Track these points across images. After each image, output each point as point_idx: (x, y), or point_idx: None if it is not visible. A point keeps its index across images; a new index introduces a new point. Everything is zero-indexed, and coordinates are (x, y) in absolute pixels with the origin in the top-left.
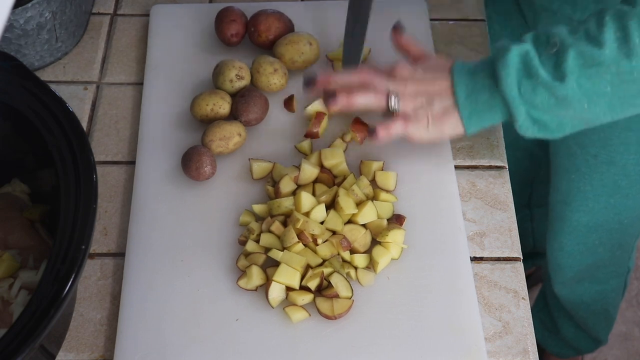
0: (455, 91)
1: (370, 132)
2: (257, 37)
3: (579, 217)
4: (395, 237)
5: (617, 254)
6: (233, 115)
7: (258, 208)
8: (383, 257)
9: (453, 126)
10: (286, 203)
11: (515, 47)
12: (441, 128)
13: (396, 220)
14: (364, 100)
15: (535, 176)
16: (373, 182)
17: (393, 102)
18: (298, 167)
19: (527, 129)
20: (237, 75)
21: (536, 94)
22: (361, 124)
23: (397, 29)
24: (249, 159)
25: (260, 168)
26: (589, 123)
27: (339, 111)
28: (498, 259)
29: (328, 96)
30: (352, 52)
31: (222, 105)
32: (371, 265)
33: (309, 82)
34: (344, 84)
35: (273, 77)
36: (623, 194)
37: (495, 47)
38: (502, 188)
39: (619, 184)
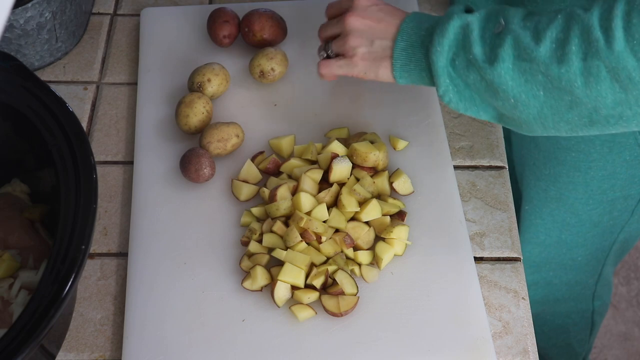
0: (396, 39)
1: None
2: (251, 37)
3: (531, 248)
4: (400, 234)
5: (576, 290)
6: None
7: (257, 211)
8: (387, 253)
9: (386, 72)
10: (284, 205)
11: (460, 16)
12: (376, 71)
13: (398, 216)
14: (338, 70)
15: None
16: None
17: (328, 48)
18: (294, 178)
19: (452, 103)
20: (204, 81)
21: (469, 72)
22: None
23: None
24: (232, 179)
25: (248, 190)
26: (521, 126)
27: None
28: (498, 259)
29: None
30: None
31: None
32: (375, 262)
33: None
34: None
35: (274, 59)
36: (573, 231)
37: (449, 10)
38: (502, 188)
39: (568, 222)
